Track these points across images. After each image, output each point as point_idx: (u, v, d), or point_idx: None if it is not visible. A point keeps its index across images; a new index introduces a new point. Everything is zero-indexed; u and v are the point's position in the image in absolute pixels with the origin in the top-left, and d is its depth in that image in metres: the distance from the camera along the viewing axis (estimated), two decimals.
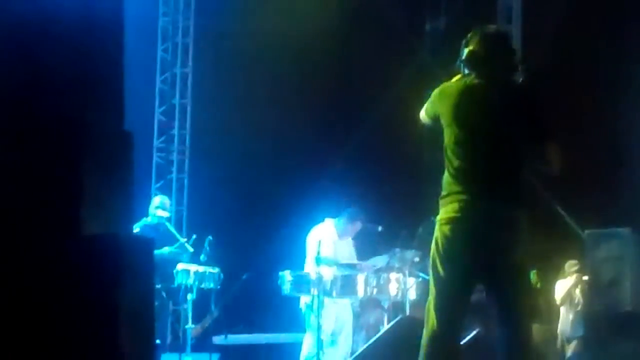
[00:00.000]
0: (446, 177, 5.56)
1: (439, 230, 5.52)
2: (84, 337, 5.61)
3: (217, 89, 13.20)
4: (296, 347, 10.22)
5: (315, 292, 9.57)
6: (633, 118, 12.41)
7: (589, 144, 12.31)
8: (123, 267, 6.00)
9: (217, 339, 10.24)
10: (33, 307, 5.61)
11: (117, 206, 6.43)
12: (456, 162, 5.54)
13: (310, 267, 9.86)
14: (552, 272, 11.97)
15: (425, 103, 5.81)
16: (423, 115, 5.82)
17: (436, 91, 5.70)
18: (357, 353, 9.12)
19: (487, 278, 5.57)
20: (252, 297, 11.16)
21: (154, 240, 8.23)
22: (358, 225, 10.26)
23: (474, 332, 7.51)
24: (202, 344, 10.14)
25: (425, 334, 5.52)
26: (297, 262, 10.22)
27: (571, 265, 11.97)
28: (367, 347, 8.98)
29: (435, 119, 5.69)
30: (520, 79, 5.75)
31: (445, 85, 5.73)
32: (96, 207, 6.09)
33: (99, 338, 5.65)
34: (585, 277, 11.71)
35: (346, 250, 10.31)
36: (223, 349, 10.12)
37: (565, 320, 11.91)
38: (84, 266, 5.78)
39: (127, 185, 6.74)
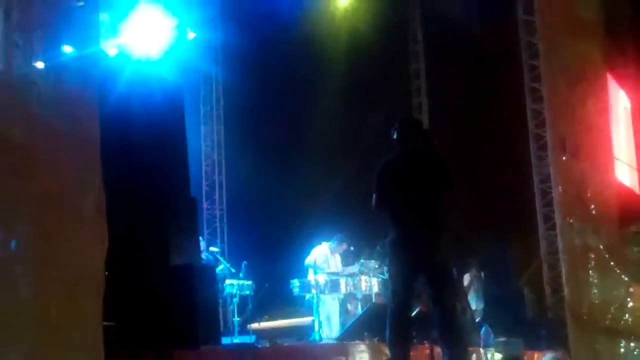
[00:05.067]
0: (390, 217, 5.53)
1: (390, 246, 5.55)
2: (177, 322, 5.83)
3: (246, 170, 12.49)
4: (304, 327, 10.09)
5: (314, 292, 9.51)
6: None
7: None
8: (197, 283, 6.30)
9: (253, 326, 9.95)
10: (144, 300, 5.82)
11: (190, 247, 6.71)
12: (395, 209, 5.49)
13: (311, 276, 9.72)
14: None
15: (372, 182, 5.61)
16: (374, 196, 5.56)
17: (375, 172, 5.60)
18: (344, 328, 9.08)
19: (424, 275, 5.49)
20: (274, 297, 10.96)
21: (215, 267, 8.49)
22: (344, 246, 10.04)
23: (417, 310, 7.41)
24: (243, 330, 9.73)
25: (389, 312, 5.53)
26: (302, 270, 10.01)
27: (472, 263, 11.65)
28: (351, 324, 8.98)
29: (380, 189, 5.55)
30: (431, 147, 5.63)
31: (381, 165, 5.65)
32: (178, 248, 6.37)
33: (184, 325, 5.90)
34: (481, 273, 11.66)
35: (336, 263, 10.10)
36: (258, 332, 9.78)
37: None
38: (173, 285, 6.05)
39: (195, 232, 7.04)
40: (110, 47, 6.13)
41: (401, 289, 5.48)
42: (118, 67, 6.36)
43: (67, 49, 3.81)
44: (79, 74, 3.81)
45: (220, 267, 9.87)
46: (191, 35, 7.40)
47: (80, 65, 3.83)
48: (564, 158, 9.64)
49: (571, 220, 9.55)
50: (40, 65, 3.59)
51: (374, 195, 5.53)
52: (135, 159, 6.08)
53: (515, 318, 10.38)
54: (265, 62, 11.85)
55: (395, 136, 5.64)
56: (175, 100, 6.98)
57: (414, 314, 6.01)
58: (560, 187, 9.52)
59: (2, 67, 3.40)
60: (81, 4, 3.94)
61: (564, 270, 10.09)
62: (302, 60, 12.10)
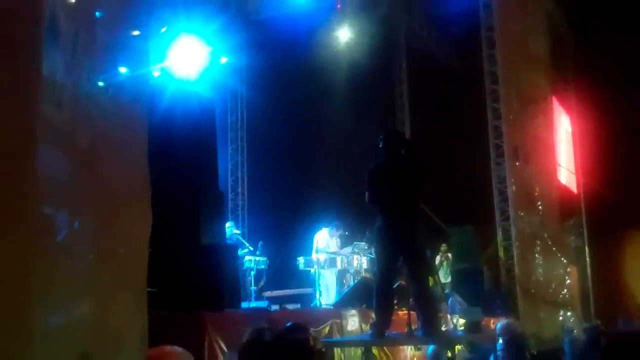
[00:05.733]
0: (378, 209, 5.50)
1: (377, 232, 5.53)
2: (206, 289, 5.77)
3: (264, 169, 12.70)
4: (307, 295, 10.04)
5: (316, 267, 9.55)
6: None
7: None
8: (222, 259, 6.29)
9: (267, 293, 10.02)
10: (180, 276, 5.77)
11: (218, 229, 6.70)
12: (382, 203, 5.44)
13: (313, 255, 9.76)
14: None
15: (365, 181, 5.50)
16: (367, 193, 5.47)
17: (367, 173, 5.53)
18: (339, 297, 9.01)
19: (404, 255, 5.46)
20: (283, 271, 10.96)
21: (237, 246, 8.48)
22: (340, 231, 9.98)
23: (398, 283, 7.36)
24: (258, 296, 9.61)
25: (375, 285, 5.57)
26: (306, 249, 10.11)
27: (442, 246, 11.74)
28: (344, 293, 8.91)
29: (371, 187, 5.46)
30: (411, 154, 5.56)
31: (372, 167, 5.57)
32: (208, 230, 6.36)
33: (212, 291, 5.84)
34: (449, 254, 11.62)
35: (334, 244, 10.01)
36: (270, 298, 9.81)
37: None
38: (204, 259, 6.04)
39: (222, 218, 7.03)
40: (156, 70, 6.15)
41: (385, 266, 5.48)
42: (163, 86, 6.40)
43: (123, 70, 3.84)
44: (132, 91, 3.83)
45: (241, 246, 9.87)
46: (223, 60, 7.41)
47: (133, 83, 3.85)
48: (517, 163, 9.63)
49: (522, 214, 9.55)
50: (101, 83, 3.62)
51: (367, 193, 5.46)
52: (175, 160, 6.03)
53: (476, 291, 10.37)
54: (281, 82, 11.84)
55: (381, 145, 5.57)
56: (208, 112, 6.97)
57: (395, 286, 5.97)
58: (513, 187, 9.53)
59: (71, 84, 3.40)
60: (136, 33, 3.96)
61: (515, 254, 10.13)
62: (310, 81, 12.01)
